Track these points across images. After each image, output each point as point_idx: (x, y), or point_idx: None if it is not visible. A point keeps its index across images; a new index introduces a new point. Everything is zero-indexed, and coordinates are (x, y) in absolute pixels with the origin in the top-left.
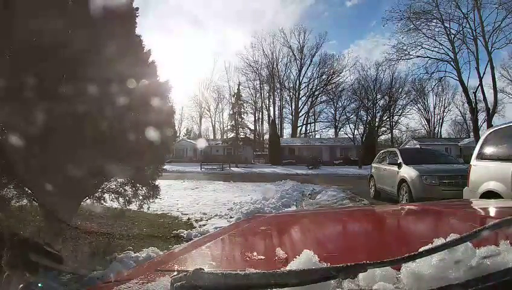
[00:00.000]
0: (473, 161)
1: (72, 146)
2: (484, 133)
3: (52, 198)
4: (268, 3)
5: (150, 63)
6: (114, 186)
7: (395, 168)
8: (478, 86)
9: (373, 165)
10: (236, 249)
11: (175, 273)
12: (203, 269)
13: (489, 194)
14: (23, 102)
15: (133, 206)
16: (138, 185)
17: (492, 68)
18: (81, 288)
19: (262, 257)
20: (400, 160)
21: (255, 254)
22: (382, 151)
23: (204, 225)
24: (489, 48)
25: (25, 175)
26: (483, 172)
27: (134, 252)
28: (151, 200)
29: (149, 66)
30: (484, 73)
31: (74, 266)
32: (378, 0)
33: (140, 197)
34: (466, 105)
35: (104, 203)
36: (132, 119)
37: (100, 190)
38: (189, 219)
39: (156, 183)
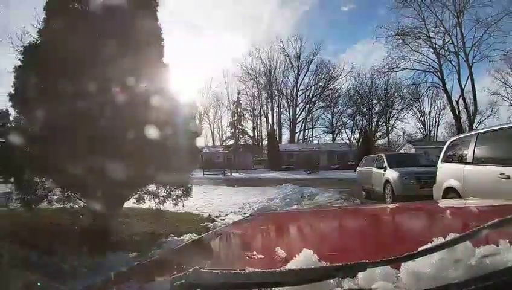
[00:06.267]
0: (439, 164)
1: (121, 155)
2: (447, 141)
3: (100, 199)
4: (266, 10)
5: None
6: (153, 188)
7: (382, 170)
8: (460, 97)
9: (359, 169)
10: (236, 248)
11: (175, 272)
12: (203, 268)
13: (449, 189)
14: (75, 115)
15: (161, 206)
16: (175, 187)
17: (472, 80)
18: (80, 288)
19: (262, 256)
20: (386, 164)
21: (254, 253)
22: (366, 156)
23: (224, 219)
24: (470, 63)
25: (77, 181)
26: (445, 172)
27: (178, 238)
28: (184, 199)
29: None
30: (466, 84)
31: (135, 248)
32: (374, 6)
33: (174, 197)
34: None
35: (143, 203)
36: (172, 135)
37: (139, 191)
38: (209, 215)
39: (189, 185)
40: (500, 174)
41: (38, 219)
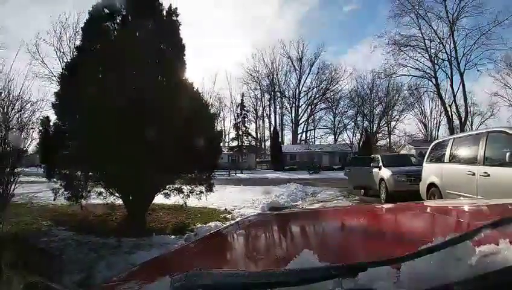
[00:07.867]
0: (424, 163)
1: (156, 156)
2: (431, 144)
3: (135, 195)
4: (267, 11)
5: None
6: (178, 184)
7: (377, 170)
8: (452, 102)
9: (347, 169)
10: (236, 249)
11: (175, 272)
12: (203, 269)
13: (431, 185)
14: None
15: (186, 199)
16: (198, 184)
17: (463, 87)
18: (81, 288)
19: (262, 257)
20: (381, 164)
21: (254, 253)
22: (352, 157)
23: (239, 211)
24: (462, 70)
25: (116, 180)
26: (429, 170)
27: (205, 225)
28: (207, 194)
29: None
30: (458, 89)
31: (172, 232)
32: (374, 7)
33: (198, 192)
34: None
35: (168, 198)
36: (197, 139)
37: (168, 187)
38: (226, 209)
39: (211, 182)
40: (468, 171)
41: (83, 211)
